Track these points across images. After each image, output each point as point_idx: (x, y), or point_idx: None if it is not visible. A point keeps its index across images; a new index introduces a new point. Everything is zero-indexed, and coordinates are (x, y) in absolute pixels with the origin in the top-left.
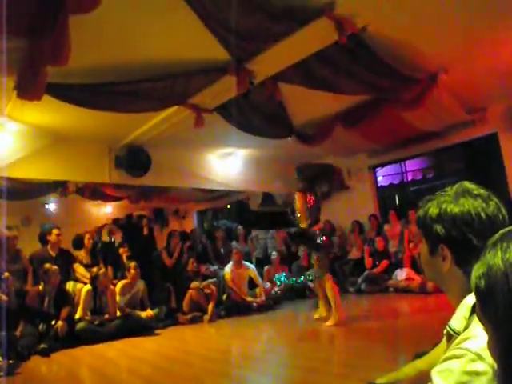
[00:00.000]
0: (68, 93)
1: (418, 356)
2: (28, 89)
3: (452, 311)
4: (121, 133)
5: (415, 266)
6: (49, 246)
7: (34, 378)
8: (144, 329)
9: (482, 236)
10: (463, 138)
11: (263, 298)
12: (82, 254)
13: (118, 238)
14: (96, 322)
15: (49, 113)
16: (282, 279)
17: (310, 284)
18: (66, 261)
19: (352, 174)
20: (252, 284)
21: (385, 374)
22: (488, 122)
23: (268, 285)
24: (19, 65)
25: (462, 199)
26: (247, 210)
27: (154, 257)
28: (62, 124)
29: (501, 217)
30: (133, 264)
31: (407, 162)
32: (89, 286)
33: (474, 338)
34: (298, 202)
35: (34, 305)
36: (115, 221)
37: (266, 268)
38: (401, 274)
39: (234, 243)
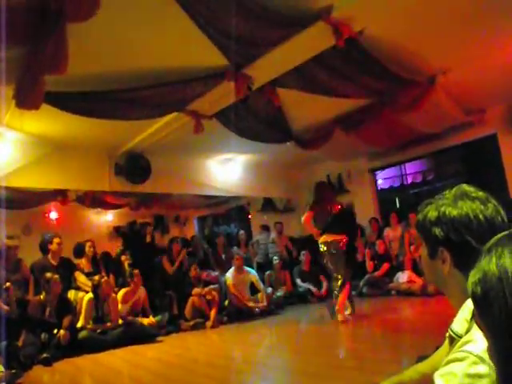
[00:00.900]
0: (67, 101)
1: (421, 359)
2: (27, 98)
3: (454, 314)
4: (120, 140)
5: (416, 269)
6: (50, 255)
7: None
8: (146, 336)
9: (481, 238)
10: (462, 139)
11: (265, 303)
12: (83, 263)
13: (118, 246)
14: (98, 331)
15: (48, 121)
16: None
17: (313, 289)
18: (67, 269)
19: (352, 178)
20: (254, 289)
21: (388, 377)
22: (487, 124)
23: (269, 290)
24: (18, 74)
25: (461, 202)
26: None
27: (155, 264)
28: (61, 132)
29: (500, 219)
30: (136, 271)
31: (407, 165)
32: (90, 295)
33: (475, 341)
34: None
35: (36, 314)
36: (116, 228)
37: (267, 273)
38: (402, 277)
39: (235, 249)
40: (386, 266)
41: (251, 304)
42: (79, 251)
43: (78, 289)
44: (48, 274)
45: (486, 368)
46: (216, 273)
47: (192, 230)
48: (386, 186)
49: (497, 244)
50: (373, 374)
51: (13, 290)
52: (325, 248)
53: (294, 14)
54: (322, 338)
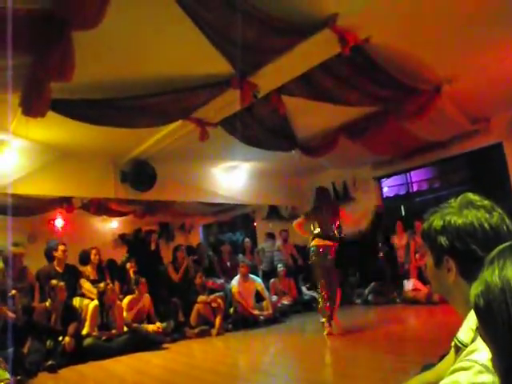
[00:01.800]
0: (72, 109)
1: (426, 368)
2: (33, 105)
3: (459, 322)
4: (126, 148)
5: (422, 277)
6: (55, 262)
7: None
8: (151, 344)
9: (486, 247)
10: (468, 147)
11: (270, 311)
12: (88, 270)
13: (123, 254)
14: (103, 338)
15: (53, 129)
16: None
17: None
18: (72, 276)
19: (357, 186)
20: (259, 297)
21: None
22: (492, 132)
23: (275, 298)
24: (24, 81)
25: (466, 210)
26: None
27: (160, 271)
28: (66, 140)
29: (505, 228)
30: (143, 279)
31: (412, 173)
32: (96, 302)
33: (481, 350)
34: None
35: (42, 321)
36: (121, 236)
37: (272, 281)
38: (407, 285)
39: (240, 256)
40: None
41: (256, 312)
42: (84, 258)
43: (83, 296)
44: (53, 282)
45: (490, 377)
46: (221, 280)
47: (197, 237)
48: (392, 194)
49: (499, 255)
50: (378, 383)
51: (18, 298)
52: (312, 255)
53: (299, 21)
54: (326, 346)
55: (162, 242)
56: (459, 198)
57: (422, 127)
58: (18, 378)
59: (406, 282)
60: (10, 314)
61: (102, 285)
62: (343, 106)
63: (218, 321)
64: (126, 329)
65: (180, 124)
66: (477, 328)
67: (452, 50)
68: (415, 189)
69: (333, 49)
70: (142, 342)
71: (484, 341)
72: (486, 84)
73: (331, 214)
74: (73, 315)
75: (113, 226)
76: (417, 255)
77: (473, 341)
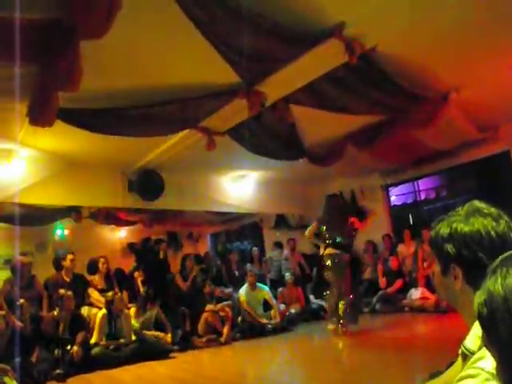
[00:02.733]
0: (80, 118)
1: (434, 376)
2: (40, 115)
3: (467, 330)
4: (133, 157)
5: (430, 285)
6: (63, 272)
7: None
8: (159, 352)
9: (492, 255)
10: (475, 156)
11: (278, 319)
12: (96, 279)
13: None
14: (111, 347)
15: (61, 138)
16: None
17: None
18: (80, 286)
19: (365, 194)
20: (267, 306)
21: None
22: (500, 140)
23: (282, 306)
24: (31, 91)
25: (472, 218)
26: None
27: (168, 280)
28: (74, 149)
29: None
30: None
31: (420, 181)
32: (104, 311)
33: (488, 358)
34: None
35: (50, 330)
36: (130, 245)
37: (280, 290)
38: (415, 294)
39: (248, 265)
40: (399, 282)
41: (264, 320)
42: (92, 268)
43: (91, 305)
44: (61, 291)
45: None
46: (229, 289)
47: (205, 246)
48: (399, 203)
49: (502, 264)
50: None
51: (26, 307)
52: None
53: (306, 30)
54: (334, 354)
55: (169, 251)
56: (466, 205)
57: (429, 135)
58: None
59: (413, 290)
60: (18, 323)
61: (110, 294)
62: (350, 115)
63: (225, 329)
64: (134, 337)
65: (187, 133)
66: (482, 336)
67: (459, 58)
68: (423, 197)
69: (340, 58)
70: (149, 351)
71: (488, 349)
72: (494, 92)
73: (343, 222)
74: (81, 324)
75: (121, 235)
76: (425, 264)
77: (480, 348)
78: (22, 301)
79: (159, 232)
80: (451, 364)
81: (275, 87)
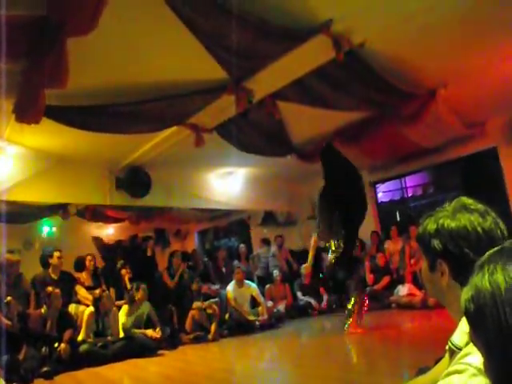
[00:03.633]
0: (67, 115)
1: (421, 372)
2: (27, 112)
3: (454, 326)
4: (121, 154)
5: (417, 282)
6: (50, 269)
7: None
8: (147, 350)
9: (479, 251)
10: (463, 152)
11: (265, 316)
12: (83, 276)
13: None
14: (99, 344)
15: (48, 136)
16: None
17: (313, 302)
18: (67, 283)
19: None
20: (254, 303)
21: None
22: (487, 136)
23: (270, 303)
24: (18, 88)
25: (459, 214)
26: None
27: (155, 278)
28: (61, 146)
29: (499, 232)
30: (142, 285)
31: (407, 178)
32: (91, 308)
33: (475, 353)
34: None
35: (37, 328)
36: (118, 242)
37: (267, 287)
38: (402, 290)
39: (235, 262)
40: (386, 279)
41: (252, 317)
42: (80, 265)
43: (78, 302)
44: (49, 288)
45: (485, 380)
46: (216, 286)
47: (192, 243)
48: (387, 200)
49: (489, 260)
50: None
51: (14, 305)
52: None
53: (294, 27)
54: (322, 351)
55: (157, 249)
56: (453, 201)
57: (417, 132)
58: None
59: (400, 287)
60: (6, 321)
61: (97, 291)
62: (338, 111)
63: (213, 327)
64: (121, 335)
65: (175, 130)
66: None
67: (447, 54)
68: (410, 194)
69: (327, 54)
70: (137, 349)
71: (475, 345)
72: (480, 88)
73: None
74: (68, 322)
75: (109, 232)
76: (412, 260)
77: (467, 344)
78: (9, 298)
79: (147, 229)
80: (439, 360)
81: (263, 84)
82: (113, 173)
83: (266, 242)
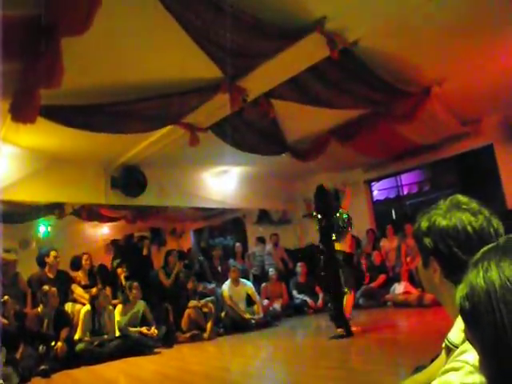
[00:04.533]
0: (62, 115)
1: (418, 370)
2: (22, 111)
3: (450, 325)
4: (116, 153)
5: (413, 280)
6: (47, 268)
7: None
8: (143, 348)
9: (468, 250)
10: (458, 150)
11: (261, 315)
12: (79, 275)
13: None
14: (95, 343)
15: (44, 135)
16: None
17: (309, 300)
18: (64, 282)
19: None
20: (250, 301)
21: None
22: (483, 134)
23: (266, 302)
24: (13, 87)
25: (451, 213)
26: None
27: (151, 276)
28: (57, 146)
29: (492, 231)
30: (135, 284)
31: (403, 176)
32: (87, 307)
33: (472, 351)
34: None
35: (34, 327)
36: (113, 241)
37: (263, 285)
38: (398, 288)
39: (231, 261)
40: (382, 277)
41: (247, 316)
42: (76, 264)
43: (74, 301)
44: (45, 287)
45: (481, 377)
46: (212, 285)
47: (188, 242)
48: (382, 198)
49: (483, 257)
50: None
51: (11, 304)
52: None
53: (288, 25)
54: (317, 349)
55: (153, 247)
56: (448, 199)
57: (412, 130)
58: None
59: (396, 285)
60: (3, 320)
61: (94, 290)
62: (333, 109)
63: (209, 325)
64: (117, 333)
65: (170, 129)
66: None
67: (441, 52)
68: (405, 192)
69: (322, 52)
70: (133, 347)
71: (470, 343)
72: (475, 85)
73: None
74: (65, 320)
75: (104, 231)
76: (408, 258)
77: (463, 342)
78: (6, 297)
79: (142, 228)
80: (435, 358)
81: (257, 82)
82: (108, 172)
83: (261, 240)
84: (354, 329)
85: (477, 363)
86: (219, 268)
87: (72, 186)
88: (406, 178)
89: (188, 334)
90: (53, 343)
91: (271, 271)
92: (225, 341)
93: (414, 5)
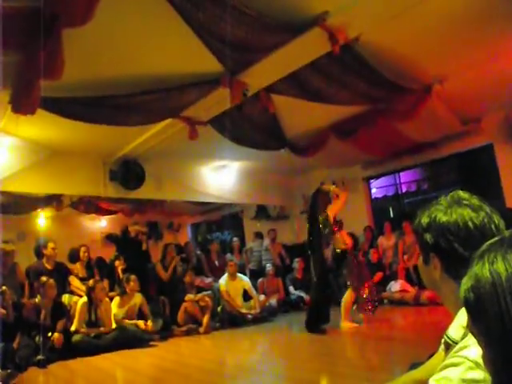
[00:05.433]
0: (62, 106)
1: (414, 366)
2: (22, 103)
3: (447, 322)
4: (115, 146)
5: (410, 278)
6: (44, 260)
7: None
8: (139, 341)
9: (469, 246)
10: (458, 148)
11: (258, 310)
12: (77, 267)
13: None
14: (92, 334)
15: (43, 127)
16: None
17: (305, 296)
18: (61, 274)
19: (346, 186)
20: (247, 296)
21: None
22: (483, 133)
23: (262, 297)
24: (14, 79)
25: (452, 209)
26: None
27: (148, 270)
28: (56, 138)
29: (493, 227)
30: (133, 277)
31: (401, 174)
32: (84, 299)
33: (472, 346)
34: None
35: (31, 317)
36: (108, 236)
37: (260, 280)
38: (395, 286)
39: (228, 255)
40: (379, 275)
41: (244, 310)
42: (74, 256)
43: (72, 293)
44: (43, 278)
45: (482, 374)
46: (209, 279)
47: (185, 236)
48: (380, 195)
49: (489, 249)
50: (365, 381)
51: (9, 294)
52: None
53: (289, 19)
54: (313, 345)
55: (150, 241)
56: (449, 195)
57: (412, 127)
58: (9, 371)
59: (393, 282)
60: (1, 310)
61: (91, 281)
62: (333, 105)
63: (205, 319)
64: (114, 326)
65: (169, 122)
66: (467, 325)
67: (443, 49)
68: (404, 190)
69: (323, 47)
70: (129, 340)
71: (475, 336)
72: (476, 84)
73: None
74: (62, 312)
75: (102, 224)
76: (405, 256)
77: (463, 338)
78: (4, 288)
79: (140, 222)
80: (432, 355)
81: (258, 76)
82: (107, 165)
83: (259, 235)
84: (349, 325)
85: (477, 359)
86: (216, 262)
87: (70, 179)
88: (404, 176)
89: (184, 328)
90: (50, 334)
91: (268, 267)
92: (221, 335)
93: (416, 1)
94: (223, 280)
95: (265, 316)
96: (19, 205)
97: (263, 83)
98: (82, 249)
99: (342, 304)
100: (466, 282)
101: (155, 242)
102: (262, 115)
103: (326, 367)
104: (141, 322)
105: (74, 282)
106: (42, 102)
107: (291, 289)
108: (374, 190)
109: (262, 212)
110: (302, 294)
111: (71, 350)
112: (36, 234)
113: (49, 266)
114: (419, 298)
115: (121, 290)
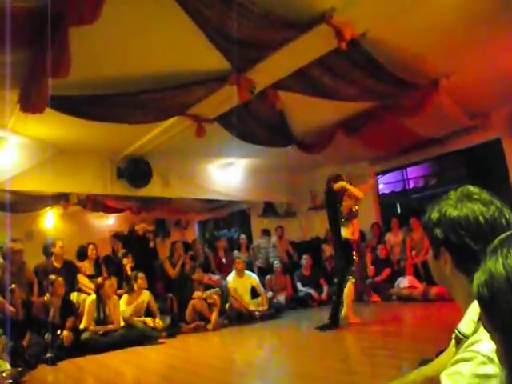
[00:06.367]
0: (70, 105)
1: (424, 363)
2: (31, 102)
3: (456, 318)
4: (122, 144)
5: (418, 274)
6: (53, 258)
7: None
8: (148, 338)
9: (480, 240)
10: (466, 144)
11: (265, 306)
12: (85, 265)
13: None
14: (100, 332)
15: (51, 126)
16: None
17: (313, 293)
18: (70, 272)
19: (353, 182)
20: (254, 293)
21: (388, 381)
22: (491, 128)
23: (270, 294)
24: (22, 78)
25: (462, 203)
26: None
27: (156, 267)
28: (63, 137)
29: (504, 221)
30: (141, 274)
31: (409, 169)
32: (93, 297)
33: (483, 341)
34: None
35: (40, 315)
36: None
37: (267, 277)
38: (403, 282)
39: (235, 253)
40: (387, 271)
41: (252, 307)
42: (82, 254)
43: (80, 291)
44: (52, 276)
45: (494, 368)
46: (217, 276)
47: (193, 233)
48: (388, 191)
49: (502, 244)
50: (373, 378)
51: (18, 292)
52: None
53: (296, 16)
54: (322, 341)
55: (157, 239)
56: (459, 190)
57: (419, 123)
58: (19, 369)
59: (401, 279)
60: (11, 308)
61: (99, 279)
62: (340, 101)
63: (213, 316)
64: (122, 323)
65: (176, 120)
66: (479, 319)
67: (450, 44)
68: (411, 186)
69: (330, 44)
70: (138, 337)
71: (488, 331)
72: (484, 79)
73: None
74: (70, 309)
75: (109, 222)
76: (413, 252)
77: (474, 332)
78: (13, 286)
79: (147, 219)
80: (441, 352)
81: (265, 73)
82: (114, 163)
83: (266, 232)
84: (353, 321)
85: (490, 354)
86: (224, 260)
87: (78, 177)
88: (412, 172)
89: (192, 325)
90: (59, 332)
91: (276, 263)
92: (229, 332)
93: None
94: (231, 277)
95: (272, 313)
96: (27, 203)
97: (270, 80)
98: (90, 247)
99: (344, 297)
100: (480, 277)
101: (162, 239)
102: (269, 112)
103: (335, 364)
104: (149, 320)
105: (83, 279)
106: (50, 100)
107: (299, 285)
108: (381, 186)
109: (269, 209)
110: (310, 291)
111: (80, 347)
112: (44, 232)
113: (57, 265)
114: (427, 294)
115: (129, 288)
